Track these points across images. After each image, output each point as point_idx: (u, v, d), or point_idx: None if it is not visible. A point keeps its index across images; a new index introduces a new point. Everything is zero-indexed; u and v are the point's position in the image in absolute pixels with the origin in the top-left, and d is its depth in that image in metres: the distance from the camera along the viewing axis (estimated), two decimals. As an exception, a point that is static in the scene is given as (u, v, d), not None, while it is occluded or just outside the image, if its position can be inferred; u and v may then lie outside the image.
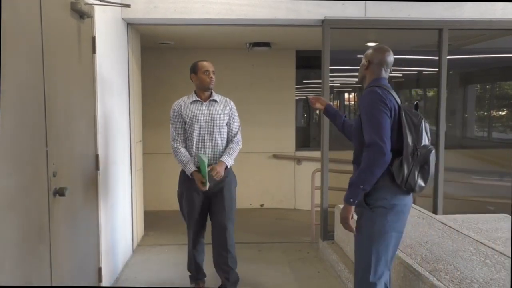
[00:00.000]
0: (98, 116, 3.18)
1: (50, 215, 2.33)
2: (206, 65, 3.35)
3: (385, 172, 2.23)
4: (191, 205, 3.36)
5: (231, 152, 3.38)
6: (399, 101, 2.33)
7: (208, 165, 3.22)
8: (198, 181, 3.26)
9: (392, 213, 2.27)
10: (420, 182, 2.25)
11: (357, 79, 2.56)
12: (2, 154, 1.87)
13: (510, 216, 4.05)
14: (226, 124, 3.41)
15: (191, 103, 3.38)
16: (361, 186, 2.19)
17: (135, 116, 4.60)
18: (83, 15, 2.82)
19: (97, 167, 3.17)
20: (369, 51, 2.47)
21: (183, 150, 3.36)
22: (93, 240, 3.12)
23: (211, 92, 3.41)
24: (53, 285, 2.35)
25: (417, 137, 2.24)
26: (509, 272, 2.57)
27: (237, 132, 3.47)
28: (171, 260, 4.28)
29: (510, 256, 2.84)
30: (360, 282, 2.39)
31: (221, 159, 3.33)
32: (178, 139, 3.39)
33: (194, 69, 3.37)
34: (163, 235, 5.09)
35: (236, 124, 3.48)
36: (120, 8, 3.87)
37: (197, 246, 3.48)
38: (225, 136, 3.41)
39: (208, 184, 3.24)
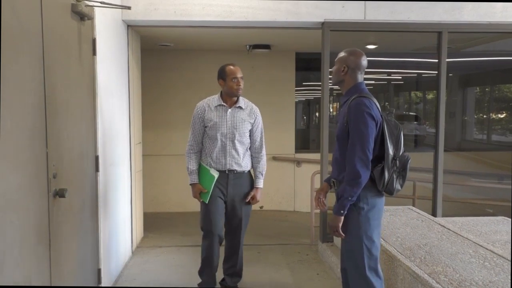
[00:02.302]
0: (98, 118, 3.19)
1: (50, 216, 2.34)
2: (235, 71, 3.27)
3: None
4: (216, 212, 3.27)
5: (263, 172, 3.46)
6: (380, 110, 2.47)
7: (217, 180, 3.25)
8: (196, 193, 3.30)
9: (374, 211, 2.45)
10: (398, 186, 2.48)
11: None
12: (3, 155, 1.87)
13: (510, 219, 4.06)
14: (250, 130, 3.36)
15: (216, 107, 3.30)
16: (350, 198, 2.36)
17: (134, 118, 4.61)
18: (83, 17, 2.82)
19: (97, 169, 3.18)
20: (344, 55, 2.54)
21: (194, 156, 3.34)
22: (93, 242, 3.12)
23: (238, 98, 3.35)
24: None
25: (397, 146, 2.46)
26: (508, 274, 2.57)
27: (261, 144, 3.44)
28: (170, 262, 4.28)
29: (509, 258, 2.84)
30: (357, 278, 2.46)
31: (257, 184, 3.42)
32: (194, 144, 3.35)
33: (222, 75, 3.28)
34: (162, 237, 5.09)
35: (259, 133, 3.43)
36: (120, 10, 3.88)
37: (216, 255, 3.35)
38: (246, 143, 3.36)
39: (208, 199, 3.27)
